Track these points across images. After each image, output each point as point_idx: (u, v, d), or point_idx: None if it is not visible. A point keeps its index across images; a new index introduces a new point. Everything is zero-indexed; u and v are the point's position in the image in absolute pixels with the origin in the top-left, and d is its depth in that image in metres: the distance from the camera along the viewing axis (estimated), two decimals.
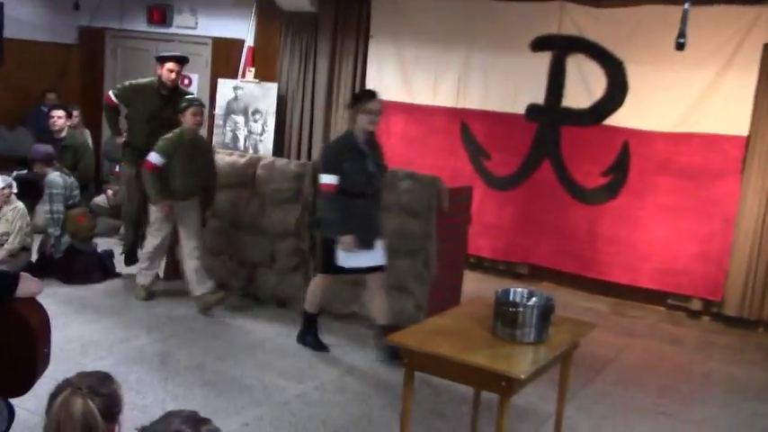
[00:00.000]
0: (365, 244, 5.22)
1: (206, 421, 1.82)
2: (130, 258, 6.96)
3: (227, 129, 9.10)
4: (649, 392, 5.37)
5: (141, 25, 10.01)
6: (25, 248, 6.51)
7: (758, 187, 6.93)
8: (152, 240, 6.37)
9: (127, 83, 6.82)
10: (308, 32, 8.98)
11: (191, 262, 6.22)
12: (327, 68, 8.89)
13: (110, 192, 8.51)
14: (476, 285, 7.02)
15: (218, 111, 9.12)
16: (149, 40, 10.14)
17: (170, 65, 6.52)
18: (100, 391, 2.11)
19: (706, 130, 7.01)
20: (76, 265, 6.64)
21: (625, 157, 7.37)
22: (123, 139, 6.80)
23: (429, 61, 8.29)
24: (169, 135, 6.12)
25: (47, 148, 7.06)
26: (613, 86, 7.41)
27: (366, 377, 5.22)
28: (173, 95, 6.55)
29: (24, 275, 3.24)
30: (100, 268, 6.83)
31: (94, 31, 10.38)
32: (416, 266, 6.03)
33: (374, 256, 5.31)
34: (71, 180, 6.94)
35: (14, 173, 7.45)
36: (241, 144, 8.97)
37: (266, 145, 8.92)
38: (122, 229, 7.44)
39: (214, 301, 6.20)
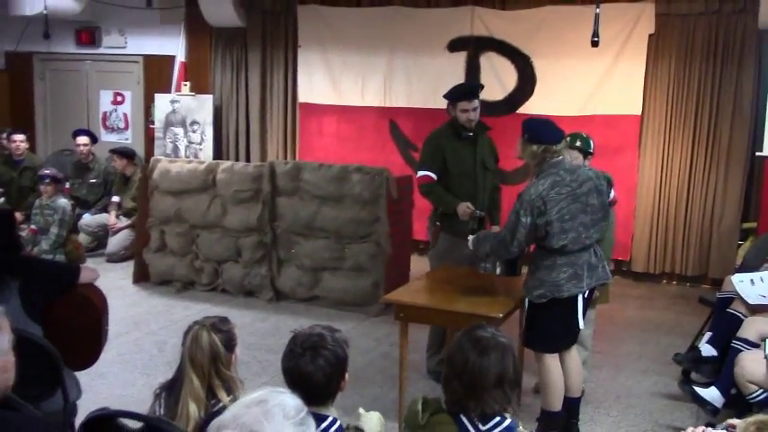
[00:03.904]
0: None
1: (338, 331, 2.56)
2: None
3: (168, 140, 9.59)
4: None
5: (70, 47, 10.34)
6: None
7: (653, 159, 8.02)
8: None
9: (426, 146, 5.33)
10: (237, 46, 9.57)
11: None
12: (259, 78, 9.50)
13: None
14: (418, 265, 7.79)
15: (158, 124, 9.60)
16: (79, 61, 10.51)
17: (463, 104, 5.14)
18: (221, 328, 2.79)
19: (605, 111, 8.03)
20: None
21: None
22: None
23: (355, 66, 9.03)
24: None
25: (57, 172, 7.63)
26: (523, 79, 8.36)
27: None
28: (477, 133, 5.29)
29: (84, 266, 3.84)
30: None
31: (21, 55, 10.64)
32: (371, 248, 6.79)
33: None
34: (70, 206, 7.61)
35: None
36: (182, 154, 9.47)
37: (206, 153, 9.46)
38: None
39: None
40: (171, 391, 2.77)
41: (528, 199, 3.96)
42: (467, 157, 5.23)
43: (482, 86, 5.66)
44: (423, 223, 8.59)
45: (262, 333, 6.22)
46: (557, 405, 4.24)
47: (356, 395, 5.05)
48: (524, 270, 4.54)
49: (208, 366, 2.70)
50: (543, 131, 4.13)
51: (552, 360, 4.18)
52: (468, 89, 5.47)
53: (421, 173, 5.29)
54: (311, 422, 1.77)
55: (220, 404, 2.68)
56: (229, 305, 6.92)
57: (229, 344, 2.80)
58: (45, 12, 8.41)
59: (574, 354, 4.35)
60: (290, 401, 1.76)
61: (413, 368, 5.13)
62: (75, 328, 3.72)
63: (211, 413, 2.66)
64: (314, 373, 2.38)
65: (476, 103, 5.18)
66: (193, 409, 2.65)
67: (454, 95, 5.28)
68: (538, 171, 4.10)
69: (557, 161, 4.08)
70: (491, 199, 5.38)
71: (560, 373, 4.21)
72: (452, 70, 8.57)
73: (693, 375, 5.25)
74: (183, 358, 2.76)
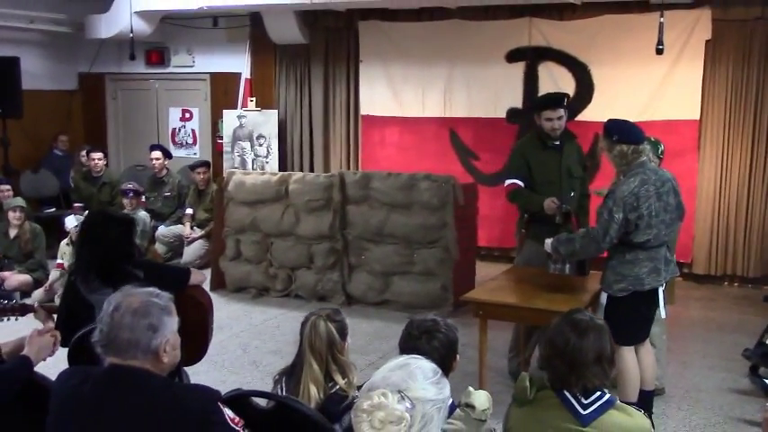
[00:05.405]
0: None
1: (447, 319, 2.84)
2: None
3: (235, 154, 10.00)
4: None
5: (140, 67, 10.80)
6: None
7: (712, 162, 8.14)
8: None
9: (512, 156, 5.55)
10: (300, 62, 9.94)
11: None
12: (322, 93, 9.85)
13: None
14: (483, 270, 8.02)
15: (226, 138, 10.02)
16: (149, 80, 11.00)
17: (547, 113, 5.26)
18: (335, 318, 3.10)
19: (664, 117, 8.17)
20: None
21: (597, 147, 8.49)
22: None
23: (416, 78, 9.31)
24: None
25: (138, 186, 8.12)
26: (581, 87, 8.56)
27: None
28: (563, 141, 5.38)
29: (193, 269, 4.17)
30: None
31: (94, 76, 11.16)
32: (439, 253, 7.05)
33: None
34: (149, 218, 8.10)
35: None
36: (249, 167, 9.84)
37: (272, 166, 9.83)
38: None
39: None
40: (290, 375, 3.07)
41: (621, 196, 4.16)
42: (552, 167, 5.36)
43: (569, 96, 5.70)
44: (485, 230, 8.98)
45: None
46: (633, 396, 4.43)
47: None
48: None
49: (325, 352, 3.00)
50: (633, 132, 4.32)
51: (629, 353, 4.38)
52: (552, 98, 5.56)
53: (508, 181, 5.45)
54: (446, 382, 2.04)
55: (337, 387, 2.97)
56: (303, 310, 7.11)
57: (342, 332, 3.09)
58: (131, 35, 8.85)
59: (648, 347, 4.55)
60: (428, 364, 2.04)
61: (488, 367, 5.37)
62: (185, 326, 4.04)
63: (329, 395, 2.94)
64: (430, 354, 2.65)
65: (560, 112, 5.29)
66: (314, 391, 2.94)
67: (539, 104, 5.46)
68: (625, 170, 4.28)
69: (642, 161, 4.27)
70: (579, 206, 5.49)
71: (636, 365, 4.41)
72: (511, 80, 8.83)
73: (762, 371, 5.40)
74: (302, 345, 3.06)
